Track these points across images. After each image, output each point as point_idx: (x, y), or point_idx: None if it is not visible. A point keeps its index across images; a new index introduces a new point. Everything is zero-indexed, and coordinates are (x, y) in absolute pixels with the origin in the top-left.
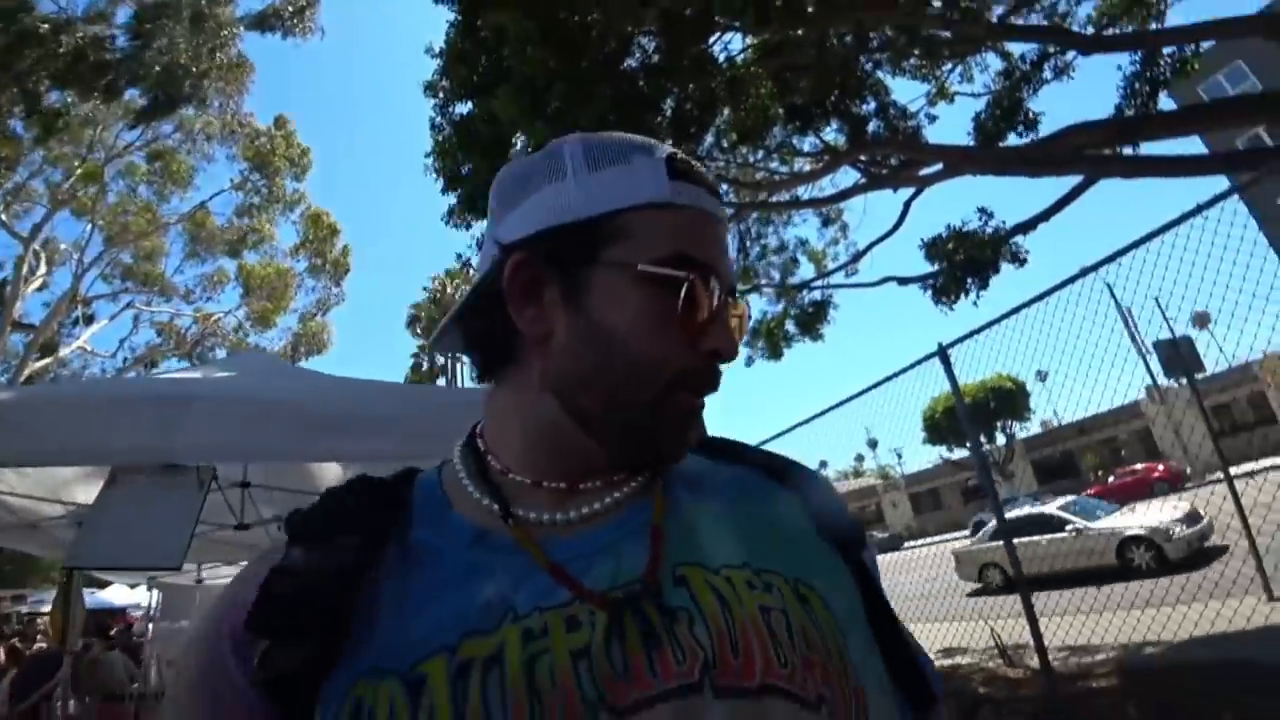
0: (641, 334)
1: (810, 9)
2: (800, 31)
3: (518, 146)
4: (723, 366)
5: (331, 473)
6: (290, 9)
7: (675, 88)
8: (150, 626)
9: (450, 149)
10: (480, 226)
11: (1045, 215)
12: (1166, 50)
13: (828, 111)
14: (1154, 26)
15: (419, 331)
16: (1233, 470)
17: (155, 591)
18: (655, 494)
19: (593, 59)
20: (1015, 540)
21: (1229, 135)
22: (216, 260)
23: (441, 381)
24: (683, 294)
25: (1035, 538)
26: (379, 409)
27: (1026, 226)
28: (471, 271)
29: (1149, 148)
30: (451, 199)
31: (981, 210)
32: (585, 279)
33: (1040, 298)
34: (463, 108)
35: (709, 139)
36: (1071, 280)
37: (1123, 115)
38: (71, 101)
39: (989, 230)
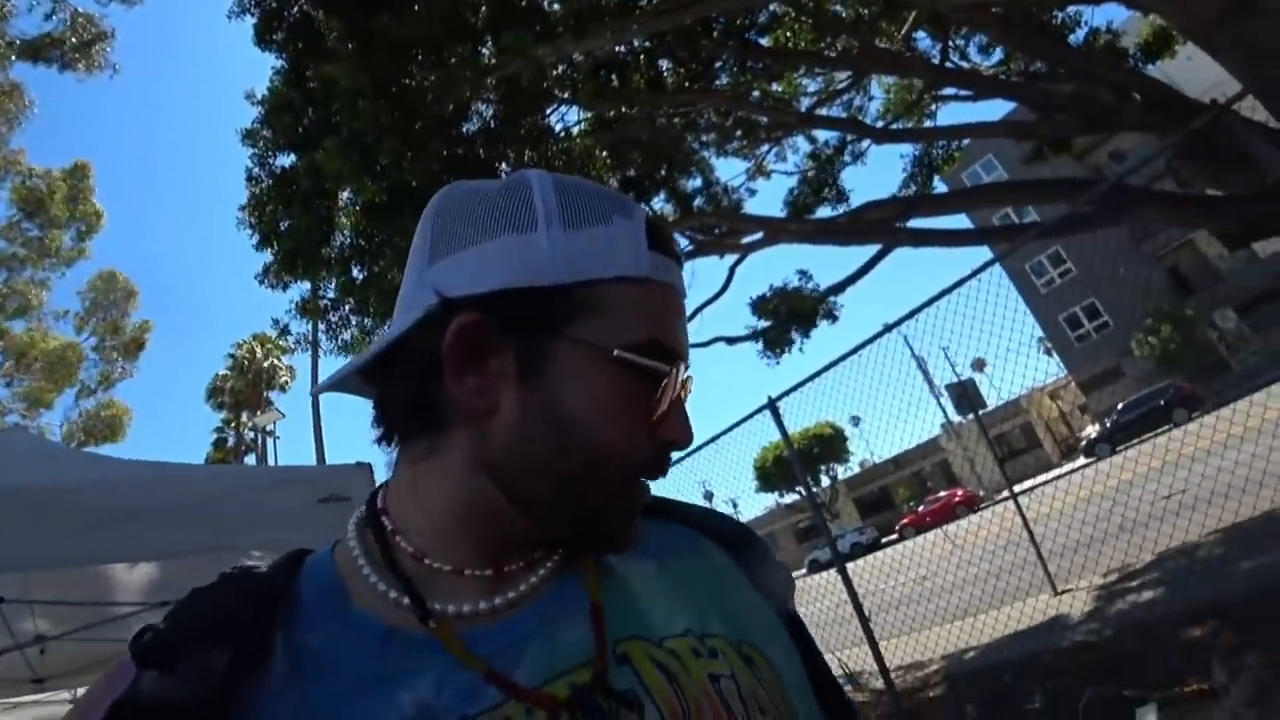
0: (607, 423)
1: (641, 90)
2: (633, 110)
3: (342, 202)
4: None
5: (121, 576)
6: (74, 40)
7: (512, 153)
8: None
9: (268, 202)
10: (298, 289)
11: (853, 278)
12: (939, 144)
13: (658, 184)
14: (927, 124)
15: (222, 404)
16: (1016, 488)
17: None
18: (588, 565)
19: (427, 120)
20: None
21: (987, 213)
22: None
23: (250, 459)
24: (662, 387)
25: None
26: (176, 495)
27: (838, 288)
28: (289, 339)
29: (931, 222)
30: (267, 256)
31: (801, 272)
32: (547, 353)
33: (852, 352)
34: (284, 159)
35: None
36: (876, 337)
37: (905, 195)
38: None
39: (809, 288)
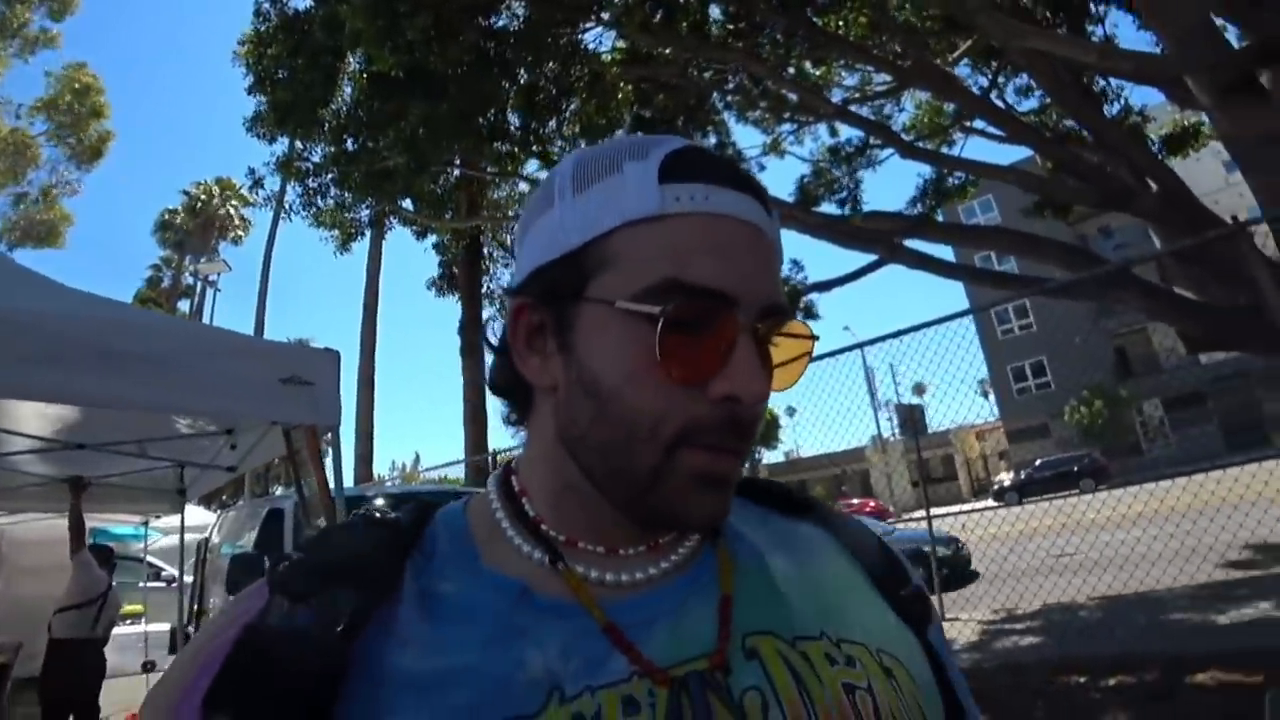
0: (630, 383)
1: (684, 34)
2: (669, 51)
3: (351, 66)
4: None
5: (25, 412)
6: None
7: (537, 62)
8: None
9: (272, 44)
10: (282, 144)
11: (842, 280)
12: (954, 174)
13: (672, 133)
14: (946, 151)
15: (167, 240)
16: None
17: None
18: (720, 553)
19: (461, 1)
20: None
21: (970, 251)
22: None
23: (185, 306)
24: (658, 333)
25: None
26: (115, 339)
27: (826, 285)
28: (259, 193)
29: (927, 246)
30: (257, 101)
31: (794, 261)
32: (572, 321)
33: (820, 358)
34: (301, 2)
35: (552, 124)
36: (846, 350)
37: (915, 214)
38: None
39: (797, 279)
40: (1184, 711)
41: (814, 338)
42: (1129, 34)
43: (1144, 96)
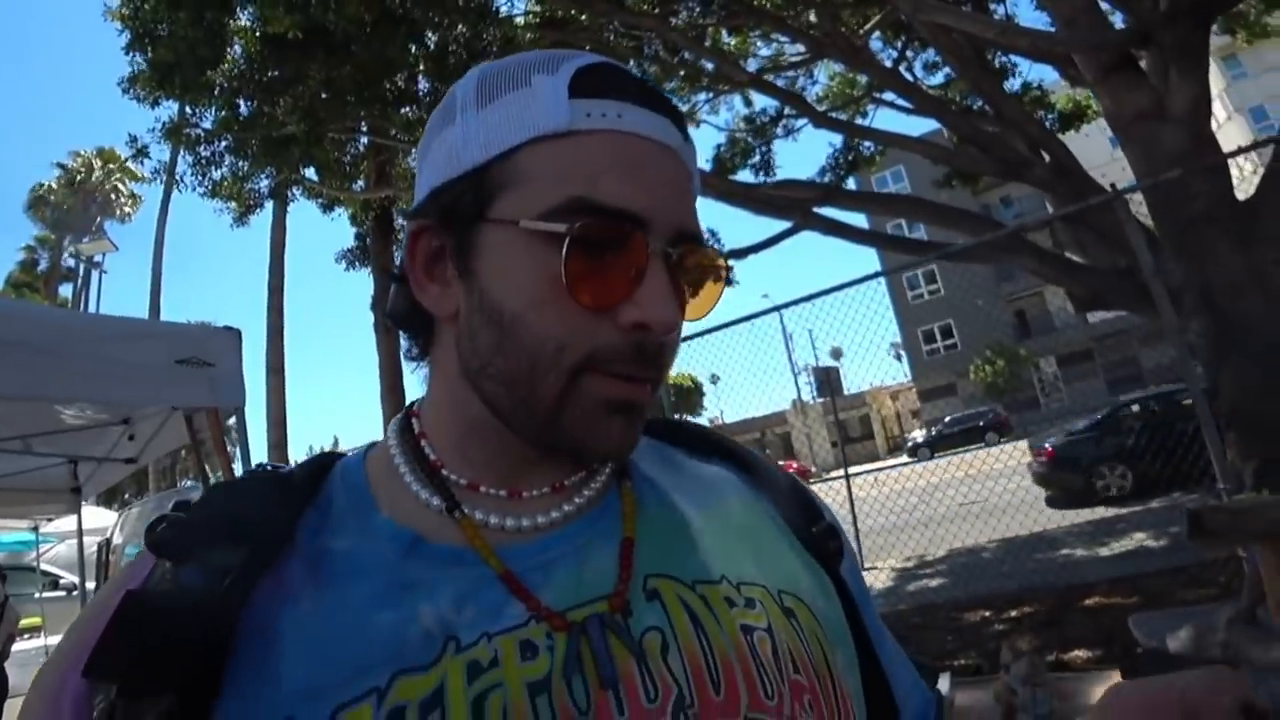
0: (534, 308)
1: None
2: (584, 16)
3: (242, 21)
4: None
5: None
6: None
7: (446, 23)
8: None
9: None
10: (168, 109)
11: (757, 247)
12: (865, 143)
13: None
14: (858, 122)
15: (42, 217)
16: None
17: None
18: (625, 495)
19: None
20: None
21: (882, 219)
22: None
23: (66, 290)
24: (564, 254)
25: None
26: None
27: (741, 253)
28: (144, 164)
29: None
30: (138, 62)
31: (710, 231)
32: (473, 243)
33: (737, 321)
34: None
35: None
36: (764, 313)
37: (827, 183)
38: None
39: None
40: (1071, 635)
41: (728, 267)
42: (1028, 14)
43: (1042, 74)
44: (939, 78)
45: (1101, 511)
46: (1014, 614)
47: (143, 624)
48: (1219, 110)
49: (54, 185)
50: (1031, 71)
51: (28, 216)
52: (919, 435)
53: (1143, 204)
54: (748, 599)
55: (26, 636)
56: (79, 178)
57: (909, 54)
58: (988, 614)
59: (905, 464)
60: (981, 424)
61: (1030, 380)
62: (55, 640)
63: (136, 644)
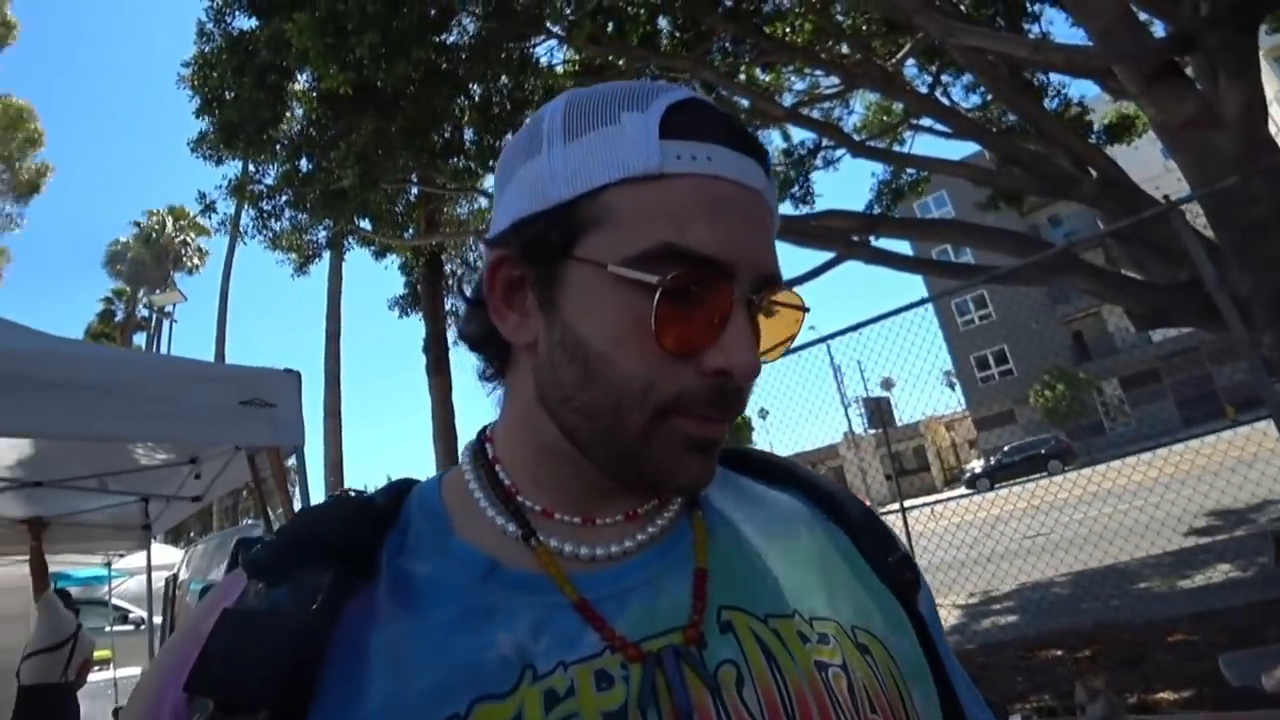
0: (619, 348)
1: (635, 45)
2: (621, 62)
3: (300, 84)
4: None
5: None
6: None
7: (489, 75)
8: None
9: (217, 65)
10: (233, 167)
11: (801, 279)
12: (906, 171)
13: None
14: (896, 149)
15: (118, 272)
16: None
17: None
18: (696, 525)
19: (411, 18)
20: None
21: (927, 245)
22: None
23: (140, 339)
24: (654, 304)
25: None
26: (69, 372)
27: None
28: (211, 218)
29: (883, 243)
30: (205, 124)
31: None
32: (558, 278)
33: (786, 353)
34: (245, 21)
35: (507, 138)
36: (810, 345)
37: (869, 212)
38: None
39: None
40: (1154, 674)
41: (805, 309)
42: (1064, 31)
43: (1084, 89)
44: (977, 98)
45: (1180, 541)
46: (1088, 652)
47: (240, 641)
48: (1277, 112)
49: (130, 242)
50: (1073, 88)
51: (105, 271)
52: (977, 465)
53: (1200, 214)
54: (821, 634)
55: (97, 669)
56: (153, 234)
57: (944, 78)
58: (1060, 652)
59: (964, 496)
60: (1043, 452)
61: (1093, 405)
62: (124, 673)
63: (234, 661)
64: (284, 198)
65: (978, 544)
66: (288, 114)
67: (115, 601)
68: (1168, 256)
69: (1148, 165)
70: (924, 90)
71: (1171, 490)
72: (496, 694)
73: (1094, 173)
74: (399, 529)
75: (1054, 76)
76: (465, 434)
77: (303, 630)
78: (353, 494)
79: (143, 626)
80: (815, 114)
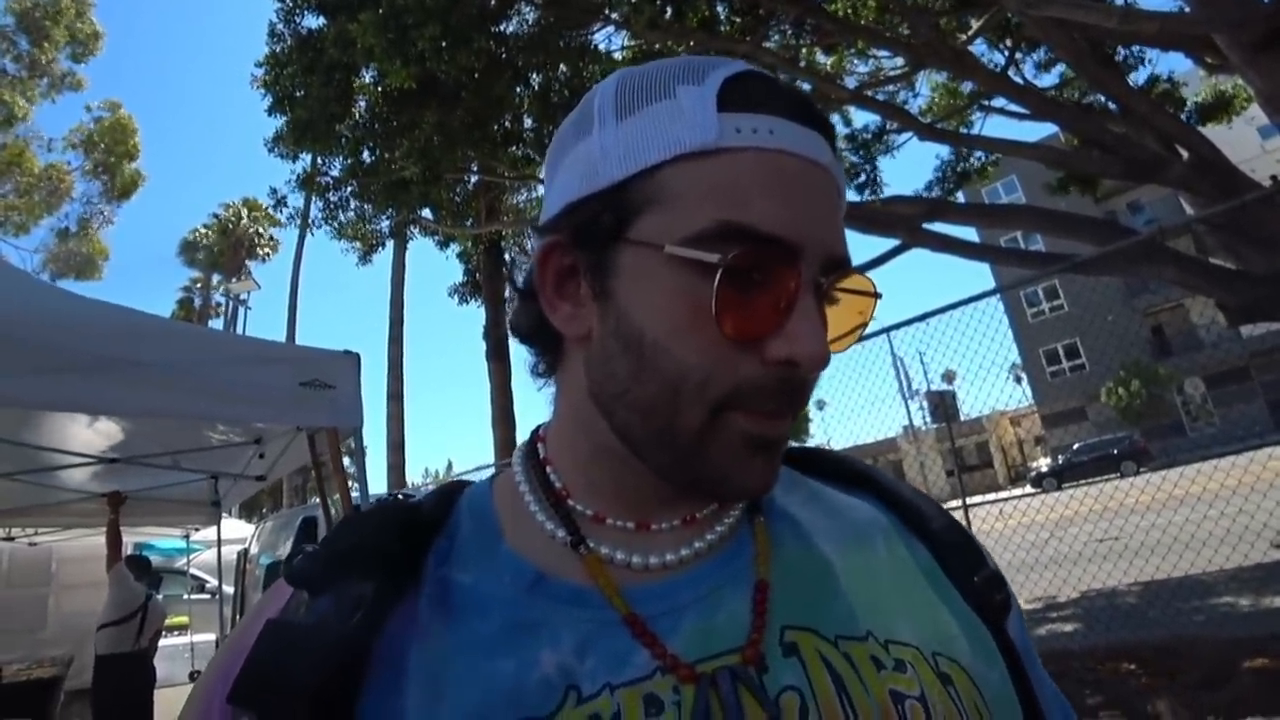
0: (677, 336)
1: (693, 29)
2: (680, 47)
3: (365, 80)
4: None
5: (74, 427)
6: None
7: (548, 64)
8: None
9: (288, 64)
10: (304, 161)
11: (864, 267)
12: (975, 154)
13: None
14: (965, 131)
15: (196, 261)
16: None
17: None
18: (758, 533)
19: (470, 10)
20: None
21: (996, 232)
22: None
23: (217, 325)
24: (715, 285)
25: None
26: (149, 351)
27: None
28: (282, 211)
29: (942, 228)
30: (279, 122)
31: None
32: (612, 263)
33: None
34: (313, 21)
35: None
36: (872, 335)
37: (936, 197)
38: None
39: None
40: (1240, 698)
41: (877, 295)
42: None
43: (1170, 65)
44: (1053, 77)
45: (1269, 554)
46: (1164, 669)
47: (281, 654)
48: None
49: (208, 232)
50: (1160, 63)
51: (179, 260)
52: (1044, 464)
53: None
54: (897, 660)
55: (175, 634)
56: (229, 225)
57: (1017, 56)
58: (1132, 666)
59: (1029, 495)
60: (1116, 452)
61: (1173, 403)
62: (200, 638)
63: (274, 674)
64: (349, 189)
65: (1042, 546)
66: (353, 108)
67: (193, 571)
68: (1269, 245)
69: (1243, 147)
70: (996, 69)
71: (1259, 498)
72: (538, 717)
73: (1184, 153)
74: (446, 535)
75: (1139, 50)
76: (524, 420)
77: (343, 643)
78: (400, 498)
79: (215, 596)
80: (879, 96)
